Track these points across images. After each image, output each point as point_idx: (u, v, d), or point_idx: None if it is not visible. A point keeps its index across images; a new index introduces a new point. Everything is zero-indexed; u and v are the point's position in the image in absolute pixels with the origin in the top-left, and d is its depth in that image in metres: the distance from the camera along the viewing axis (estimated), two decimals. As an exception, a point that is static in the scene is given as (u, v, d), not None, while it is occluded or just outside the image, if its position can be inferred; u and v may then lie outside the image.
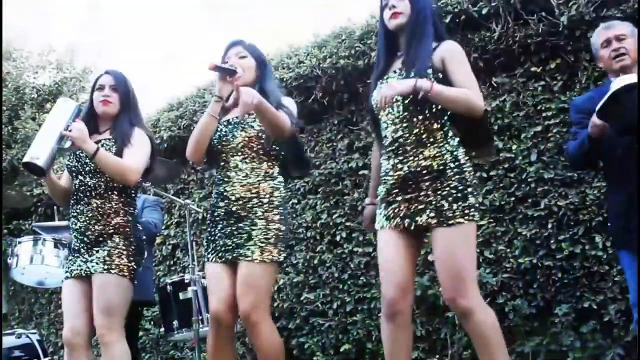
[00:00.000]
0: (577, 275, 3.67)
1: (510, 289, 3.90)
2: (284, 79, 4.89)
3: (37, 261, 3.94)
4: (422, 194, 2.29)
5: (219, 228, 2.64)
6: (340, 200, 4.78)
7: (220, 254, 2.61)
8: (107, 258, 2.75)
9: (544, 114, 3.90)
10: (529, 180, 3.89)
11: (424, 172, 2.29)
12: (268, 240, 2.56)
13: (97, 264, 2.75)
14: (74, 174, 2.89)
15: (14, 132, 7.99)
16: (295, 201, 5.06)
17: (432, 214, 2.26)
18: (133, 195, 2.98)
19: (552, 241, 3.77)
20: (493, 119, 4.08)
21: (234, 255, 2.57)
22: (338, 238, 4.72)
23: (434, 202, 2.27)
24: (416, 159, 2.31)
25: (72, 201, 2.89)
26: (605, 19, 3.63)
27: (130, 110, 2.95)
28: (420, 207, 2.29)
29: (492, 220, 4.00)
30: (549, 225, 3.79)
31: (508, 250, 3.93)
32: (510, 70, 4.10)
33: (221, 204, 2.64)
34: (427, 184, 2.29)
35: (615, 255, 3.54)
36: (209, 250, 2.67)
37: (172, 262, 5.94)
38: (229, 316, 2.57)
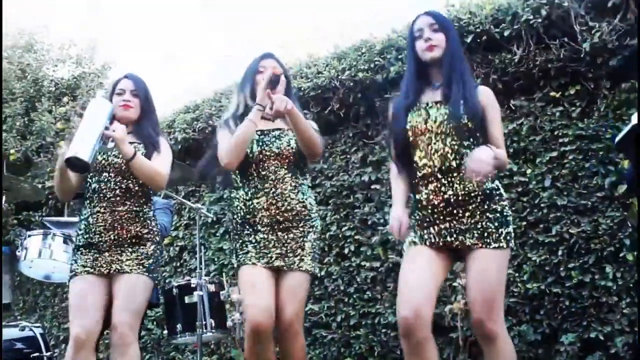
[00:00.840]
0: (585, 305, 3.64)
1: (517, 313, 3.88)
2: (302, 89, 4.91)
3: (46, 255, 3.95)
4: (467, 214, 2.31)
5: (261, 236, 2.67)
6: (350, 213, 4.77)
7: (267, 260, 2.64)
8: (143, 260, 2.81)
9: (560, 140, 3.89)
10: (542, 205, 3.87)
11: (472, 194, 2.32)
12: (314, 252, 2.71)
13: (134, 263, 2.79)
14: (99, 172, 2.86)
15: (29, 124, 8.06)
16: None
17: (477, 235, 2.29)
18: (152, 201, 3.06)
19: (561, 268, 3.75)
20: (509, 141, 4.06)
21: (284, 263, 2.63)
22: (346, 251, 4.72)
23: (480, 224, 2.30)
24: (463, 183, 2.32)
25: (95, 197, 2.87)
26: (628, 47, 3.63)
27: (150, 115, 3.00)
28: (463, 227, 2.31)
29: (502, 243, 3.98)
30: (560, 252, 3.77)
31: (516, 274, 3.91)
32: (529, 94, 4.09)
33: (265, 212, 2.66)
34: (473, 206, 2.31)
35: (626, 287, 3.52)
36: (249, 254, 2.67)
37: (178, 264, 5.95)
38: (268, 325, 2.58)
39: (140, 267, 2.80)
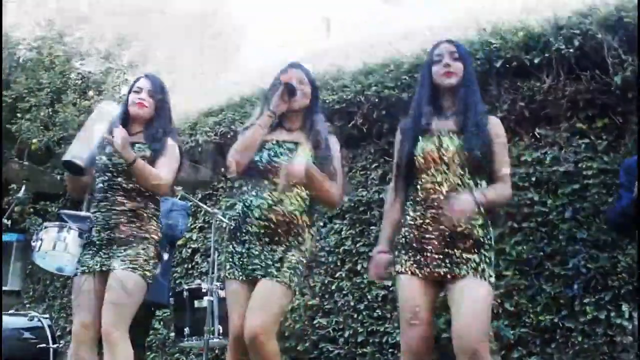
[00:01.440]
0: (599, 342, 3.60)
1: (527, 344, 3.85)
2: (326, 101, 4.94)
3: (60, 248, 3.96)
4: (458, 251, 2.32)
5: (246, 247, 2.60)
6: (366, 230, 4.78)
7: (247, 272, 2.58)
8: (133, 258, 2.79)
9: (584, 172, 3.87)
10: (560, 237, 3.85)
11: (466, 232, 2.31)
12: (297, 265, 2.57)
13: (122, 261, 2.78)
14: (103, 172, 2.91)
15: (54, 115, 8.25)
16: (321, 224, 5.09)
17: (470, 270, 2.30)
18: (158, 201, 3.04)
19: (576, 302, 3.72)
20: (532, 170, 4.06)
21: (262, 274, 2.55)
22: (359, 267, 4.75)
23: (471, 260, 2.30)
24: (459, 219, 2.31)
25: (99, 197, 2.92)
26: (660, 83, 3.61)
27: (164, 117, 3.01)
28: (456, 261, 2.31)
29: (517, 272, 3.96)
30: (575, 286, 3.74)
31: (530, 305, 3.88)
32: (555, 124, 4.09)
33: (255, 222, 2.59)
34: (464, 246, 2.32)
35: (642, 327, 3.48)
36: (233, 267, 2.63)
37: (190, 266, 6.00)
38: (241, 333, 2.55)
39: (131, 264, 2.79)
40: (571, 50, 3.91)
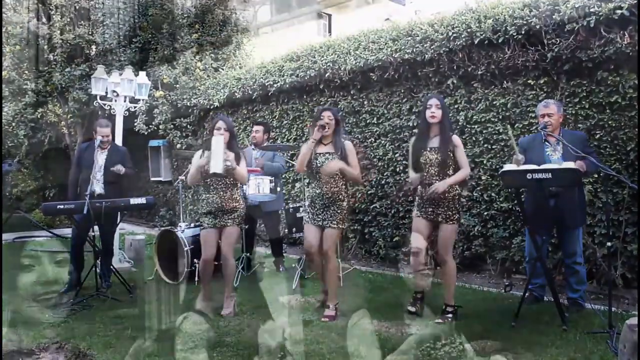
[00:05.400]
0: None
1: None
2: (369, 60, 7.16)
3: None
4: (439, 207, 4.59)
5: (316, 208, 4.89)
6: (401, 145, 7.12)
7: (316, 221, 4.89)
8: (235, 219, 5.12)
9: (530, 114, 5.93)
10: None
11: (443, 197, 4.56)
12: (342, 218, 4.89)
13: (228, 220, 5.05)
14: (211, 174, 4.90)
15: (174, 53, 10.30)
16: (373, 139, 7.51)
17: (445, 217, 4.57)
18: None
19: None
20: (500, 109, 6.17)
21: (324, 223, 4.85)
22: (398, 169, 7.16)
23: (445, 213, 4.58)
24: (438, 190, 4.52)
25: (210, 187, 5.05)
26: None
27: (235, 139, 5.13)
28: (438, 211, 4.59)
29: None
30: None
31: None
32: (514, 79, 6.06)
33: (318, 195, 4.86)
34: (443, 202, 4.56)
35: None
36: (309, 218, 4.94)
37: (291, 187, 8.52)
38: (317, 252, 4.92)
39: (235, 221, 5.04)
40: (522, 33, 5.77)
